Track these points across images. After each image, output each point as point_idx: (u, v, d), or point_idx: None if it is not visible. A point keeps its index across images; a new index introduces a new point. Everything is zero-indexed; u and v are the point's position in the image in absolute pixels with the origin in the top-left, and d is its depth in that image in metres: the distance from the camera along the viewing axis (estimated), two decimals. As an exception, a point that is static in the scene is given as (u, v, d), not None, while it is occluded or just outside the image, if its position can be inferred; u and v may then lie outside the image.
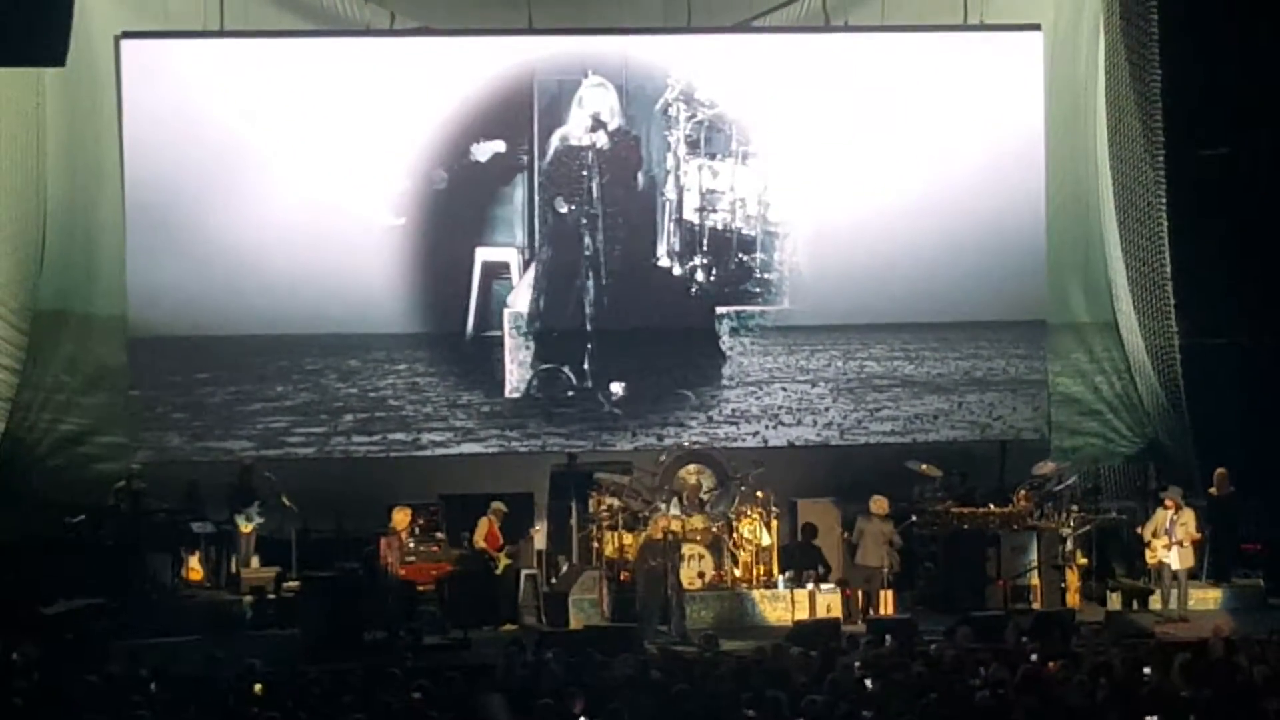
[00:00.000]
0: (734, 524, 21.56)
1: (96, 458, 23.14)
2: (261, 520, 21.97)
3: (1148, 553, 21.12)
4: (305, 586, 20.40)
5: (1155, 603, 21.01)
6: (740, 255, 24.03)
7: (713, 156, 24.01)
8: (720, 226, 24.03)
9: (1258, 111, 23.52)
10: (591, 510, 21.69)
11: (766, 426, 24.04)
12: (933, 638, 17.81)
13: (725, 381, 24.07)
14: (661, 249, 23.99)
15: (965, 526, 21.77)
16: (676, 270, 24.02)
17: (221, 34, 23.28)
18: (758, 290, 24.06)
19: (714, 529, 21.49)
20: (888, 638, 17.36)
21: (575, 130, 23.87)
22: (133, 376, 23.36)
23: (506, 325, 23.85)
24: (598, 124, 23.86)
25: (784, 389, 24.10)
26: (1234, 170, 23.52)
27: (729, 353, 24.07)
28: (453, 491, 22.32)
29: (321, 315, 23.41)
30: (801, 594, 20.97)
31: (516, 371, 23.88)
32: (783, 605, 20.95)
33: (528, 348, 23.90)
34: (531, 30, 23.78)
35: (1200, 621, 19.75)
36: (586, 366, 23.90)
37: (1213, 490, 21.88)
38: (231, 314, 23.26)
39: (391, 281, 23.56)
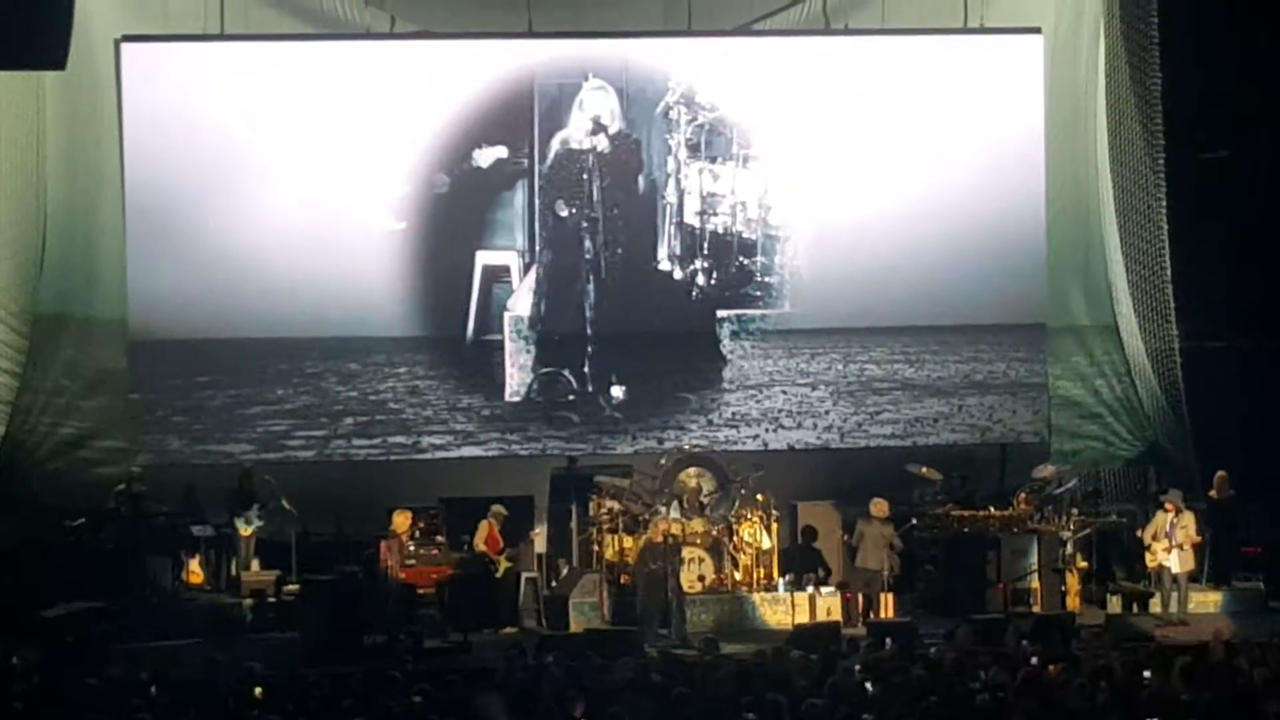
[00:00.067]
0: (734, 527, 21.57)
1: (96, 461, 23.13)
2: (261, 523, 21.96)
3: (1148, 556, 21.12)
4: (305, 590, 20.39)
5: (1155, 606, 21.01)
6: (741, 259, 24.03)
7: (713, 160, 24.00)
8: (721, 230, 24.02)
9: (1258, 115, 23.56)
10: (592, 513, 21.70)
11: (767, 430, 24.03)
12: (933, 641, 17.82)
13: (725, 385, 24.06)
14: (662, 252, 23.99)
15: (965, 530, 21.78)
16: (677, 274, 24.02)
17: (222, 37, 23.28)
18: (758, 294, 24.05)
19: (714, 532, 21.50)
20: (888, 641, 17.36)
21: (576, 134, 23.87)
22: (133, 380, 23.34)
23: (507, 329, 23.85)
24: (598, 127, 23.86)
25: (784, 392, 24.10)
26: (1234, 173, 23.55)
27: (729, 356, 24.06)
28: (453, 495, 22.33)
29: (322, 319, 23.40)
30: (802, 597, 21.00)
31: (517, 375, 23.88)
32: (783, 608, 20.98)
33: (528, 351, 23.90)
34: (531, 34, 23.77)
35: (1200, 625, 19.75)
36: (587, 370, 23.89)
37: (1213, 493, 21.89)
38: (232, 317, 23.25)
39: (392, 285, 23.56)
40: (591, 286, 23.89)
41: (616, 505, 21.59)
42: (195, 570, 21.80)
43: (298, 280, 23.25)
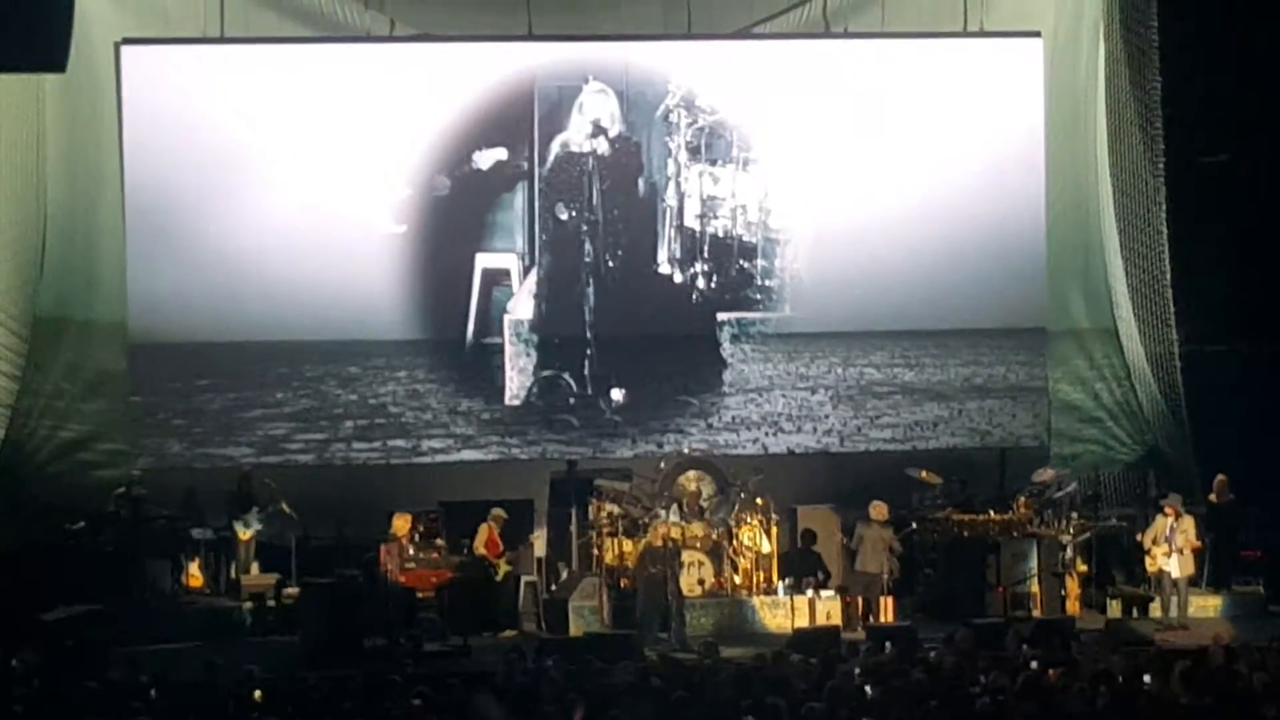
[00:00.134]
0: (734, 531, 21.57)
1: (96, 464, 23.12)
2: (261, 527, 21.95)
3: (1148, 560, 21.14)
4: (305, 593, 20.39)
5: (1155, 610, 21.03)
6: (741, 262, 24.02)
7: (714, 163, 24.00)
8: (721, 233, 24.02)
9: (1257, 118, 23.56)
10: (591, 517, 21.68)
11: (766, 433, 24.02)
12: (932, 645, 17.79)
13: (725, 388, 24.05)
14: (662, 255, 23.98)
15: (965, 534, 21.78)
16: (677, 277, 24.02)
17: (222, 40, 23.28)
18: (758, 297, 24.05)
19: (714, 536, 21.50)
20: (887, 645, 17.35)
21: (576, 136, 23.87)
22: (133, 383, 23.33)
23: (507, 332, 23.84)
24: (598, 130, 23.86)
25: (784, 396, 24.09)
26: (1234, 177, 23.54)
27: (729, 360, 24.06)
28: (453, 498, 22.34)
29: (322, 322, 23.39)
30: (801, 601, 21.00)
31: (517, 378, 23.87)
32: (782, 612, 20.97)
33: (528, 354, 23.89)
34: (532, 37, 23.76)
35: (1200, 629, 19.75)
36: (587, 373, 23.89)
37: (1213, 497, 21.90)
38: (232, 320, 23.24)
39: (392, 288, 23.55)
40: (591, 289, 23.88)
41: (616, 509, 21.58)
42: (195, 573, 21.78)
43: (298, 283, 23.24)
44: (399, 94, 23.60)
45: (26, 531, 21.68)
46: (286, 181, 23.38)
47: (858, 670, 15.13)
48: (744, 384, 24.06)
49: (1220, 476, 21.89)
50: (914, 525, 21.96)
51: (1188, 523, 20.91)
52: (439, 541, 21.09)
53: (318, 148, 23.45)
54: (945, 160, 23.97)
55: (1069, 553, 21.45)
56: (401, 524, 20.76)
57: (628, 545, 21.24)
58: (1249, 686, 14.11)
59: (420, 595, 20.38)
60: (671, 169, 23.94)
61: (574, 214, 23.87)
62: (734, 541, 21.53)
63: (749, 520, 21.60)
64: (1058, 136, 24.24)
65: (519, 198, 23.84)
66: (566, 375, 23.85)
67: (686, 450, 23.28)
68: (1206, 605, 21.30)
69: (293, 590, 21.08)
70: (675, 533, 20.79)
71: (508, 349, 23.82)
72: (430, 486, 22.82)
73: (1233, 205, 23.52)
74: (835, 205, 23.92)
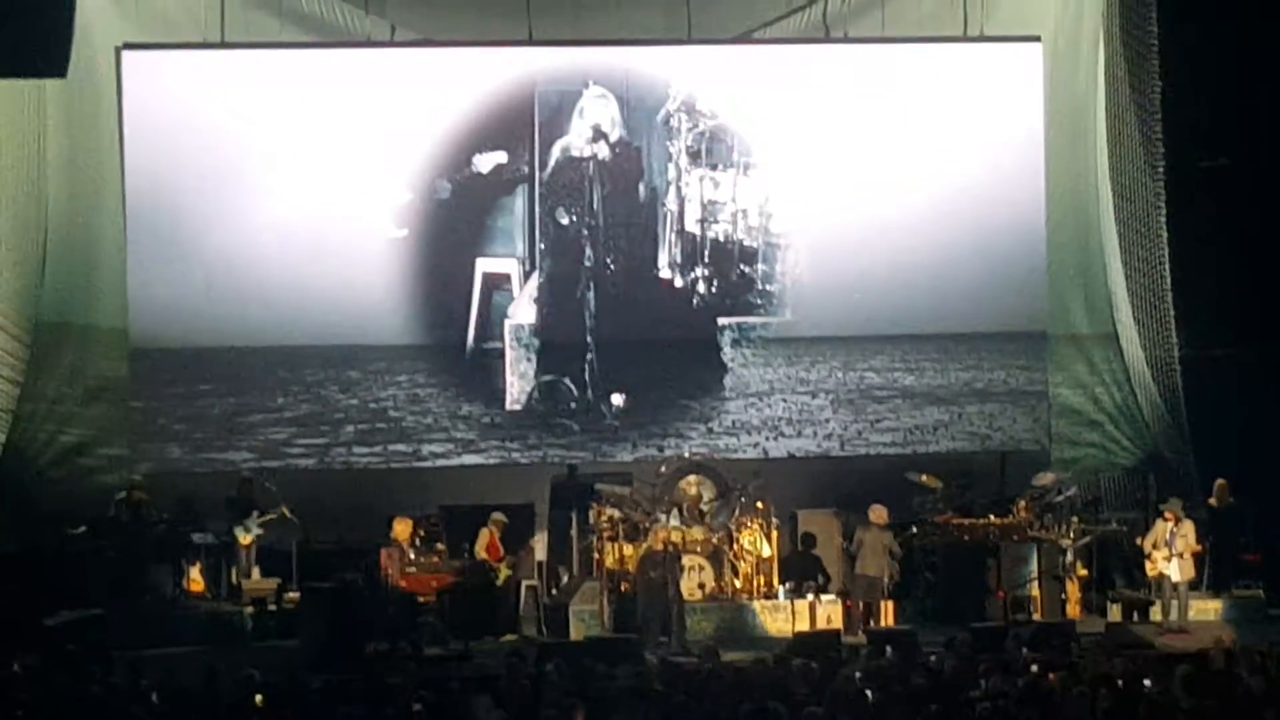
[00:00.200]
0: (734, 535, 21.58)
1: (97, 469, 23.14)
2: (262, 531, 21.95)
3: (1148, 564, 21.11)
4: (306, 597, 20.40)
5: (1155, 614, 21.01)
6: (742, 266, 24.04)
7: (714, 167, 24.01)
8: (722, 237, 24.04)
9: (1258, 123, 23.54)
10: (592, 521, 21.69)
11: (767, 438, 24.03)
12: (933, 649, 17.78)
13: (726, 393, 24.06)
14: (663, 260, 24.00)
15: (965, 537, 21.80)
16: (678, 281, 24.03)
17: (223, 45, 23.31)
18: (759, 301, 24.06)
19: (714, 540, 21.50)
20: (888, 649, 17.33)
21: (576, 141, 23.89)
22: (134, 388, 23.35)
23: (507, 337, 23.85)
24: (599, 135, 23.87)
25: (784, 400, 24.10)
26: (1234, 181, 23.53)
27: (730, 364, 24.07)
28: (453, 502, 22.36)
29: (322, 327, 23.41)
30: (802, 605, 21.00)
31: (517, 383, 23.88)
32: (783, 616, 20.97)
33: (528, 359, 23.90)
34: (532, 41, 23.79)
35: (1201, 632, 19.73)
36: (587, 378, 23.90)
37: (1213, 501, 21.92)
38: (232, 325, 23.26)
39: (392, 293, 23.57)
40: (592, 294, 23.89)
41: (617, 513, 21.59)
42: (196, 578, 21.78)
43: (298, 288, 23.27)
44: (399, 99, 23.61)
45: (28, 536, 21.71)
46: (287, 186, 23.40)
47: (858, 674, 15.12)
48: (744, 388, 24.07)
49: (1220, 480, 21.91)
50: (914, 529, 21.98)
51: (1188, 527, 20.89)
52: (440, 546, 21.11)
53: (319, 153, 23.47)
54: (945, 165, 23.99)
55: (1069, 556, 21.47)
56: (402, 528, 20.78)
57: (628, 549, 21.25)
58: (1249, 690, 14.12)
59: (421, 599, 20.40)
60: (672, 174, 23.95)
61: (574, 219, 23.88)
62: (734, 545, 21.54)
63: (749, 524, 21.60)
64: (1058, 141, 24.26)
65: (519, 202, 23.86)
66: (567, 380, 23.86)
67: (687, 454, 23.25)
68: (1207, 609, 21.29)
69: (293, 595, 21.10)
70: (676, 537, 20.80)
71: (508, 353, 23.83)
72: (431, 491, 22.83)
73: (1232, 210, 23.52)
74: (836, 210, 23.93)
